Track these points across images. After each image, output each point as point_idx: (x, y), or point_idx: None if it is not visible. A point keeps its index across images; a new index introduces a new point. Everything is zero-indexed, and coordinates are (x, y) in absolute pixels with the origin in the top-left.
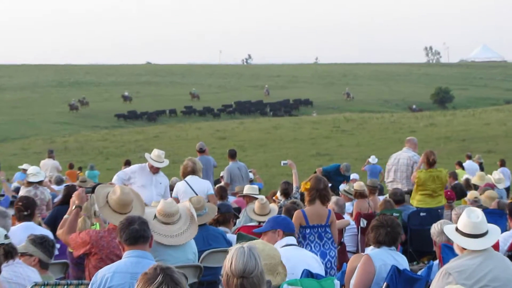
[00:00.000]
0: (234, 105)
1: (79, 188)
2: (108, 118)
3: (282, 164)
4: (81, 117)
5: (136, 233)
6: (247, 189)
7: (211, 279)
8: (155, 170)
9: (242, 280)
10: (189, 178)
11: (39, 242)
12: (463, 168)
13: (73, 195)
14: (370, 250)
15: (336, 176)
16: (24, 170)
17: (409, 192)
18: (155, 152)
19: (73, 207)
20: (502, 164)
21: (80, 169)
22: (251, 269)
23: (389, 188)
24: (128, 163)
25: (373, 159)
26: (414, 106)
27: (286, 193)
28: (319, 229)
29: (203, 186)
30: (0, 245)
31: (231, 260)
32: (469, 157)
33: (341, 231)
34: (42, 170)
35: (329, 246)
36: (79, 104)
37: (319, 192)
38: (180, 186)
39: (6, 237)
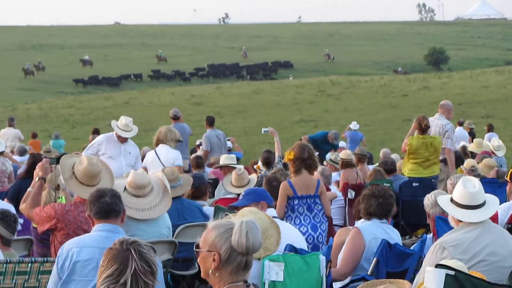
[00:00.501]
0: (207, 68)
1: (43, 159)
2: (73, 84)
3: (262, 131)
4: (44, 83)
5: (107, 207)
6: (224, 159)
7: (186, 256)
8: (123, 140)
9: (247, 257)
10: (158, 147)
11: (0, 217)
12: None
13: (36, 167)
14: (360, 223)
15: (324, 144)
16: None
17: (443, 161)
18: (122, 120)
19: (37, 179)
20: (490, 129)
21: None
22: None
23: None
24: (96, 132)
25: (354, 125)
26: (399, 69)
27: (268, 163)
28: (308, 199)
29: (170, 156)
30: None
31: (245, 237)
32: (460, 124)
33: None
34: (3, 139)
35: (319, 218)
36: (34, 69)
37: (304, 162)
38: (148, 155)
39: None
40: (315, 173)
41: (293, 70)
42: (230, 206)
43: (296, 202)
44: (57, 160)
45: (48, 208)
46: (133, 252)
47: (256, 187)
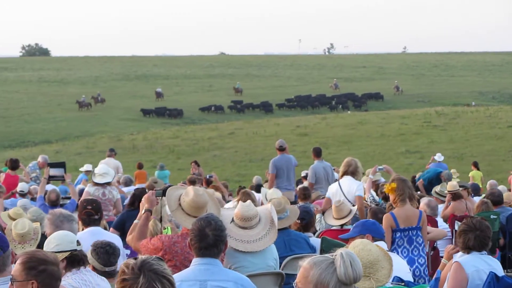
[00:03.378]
0: (294, 99)
1: (149, 191)
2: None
3: (377, 169)
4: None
5: (210, 241)
6: None
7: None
8: None
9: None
10: (342, 179)
11: (100, 249)
12: (478, 168)
13: (142, 199)
14: (459, 256)
15: (437, 184)
16: (87, 172)
17: None
18: None
19: (143, 211)
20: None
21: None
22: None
23: None
24: (196, 163)
25: (439, 157)
26: (473, 103)
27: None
28: (410, 232)
29: (352, 187)
30: (72, 251)
31: (351, 267)
32: None
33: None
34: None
35: (418, 252)
36: (92, 101)
37: (409, 191)
38: (331, 187)
39: (78, 243)
40: (421, 204)
41: (382, 102)
42: (341, 237)
43: (398, 235)
44: (163, 192)
45: (155, 240)
46: (148, 274)
47: (367, 219)
